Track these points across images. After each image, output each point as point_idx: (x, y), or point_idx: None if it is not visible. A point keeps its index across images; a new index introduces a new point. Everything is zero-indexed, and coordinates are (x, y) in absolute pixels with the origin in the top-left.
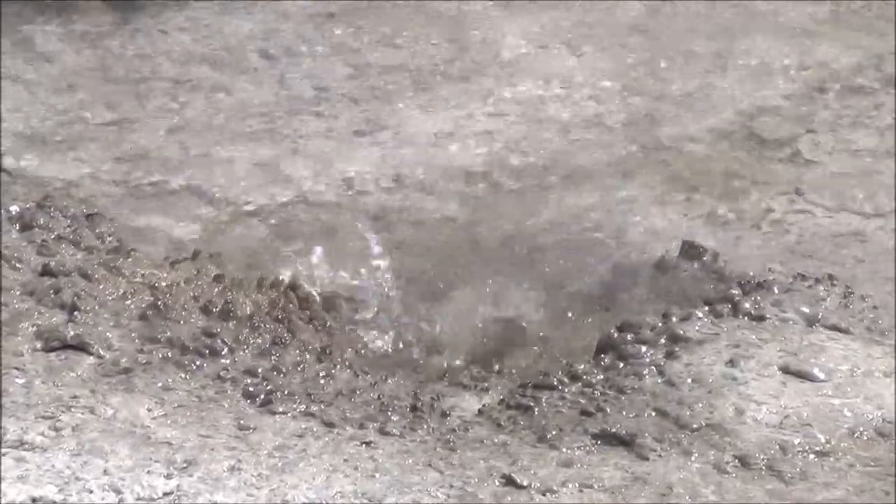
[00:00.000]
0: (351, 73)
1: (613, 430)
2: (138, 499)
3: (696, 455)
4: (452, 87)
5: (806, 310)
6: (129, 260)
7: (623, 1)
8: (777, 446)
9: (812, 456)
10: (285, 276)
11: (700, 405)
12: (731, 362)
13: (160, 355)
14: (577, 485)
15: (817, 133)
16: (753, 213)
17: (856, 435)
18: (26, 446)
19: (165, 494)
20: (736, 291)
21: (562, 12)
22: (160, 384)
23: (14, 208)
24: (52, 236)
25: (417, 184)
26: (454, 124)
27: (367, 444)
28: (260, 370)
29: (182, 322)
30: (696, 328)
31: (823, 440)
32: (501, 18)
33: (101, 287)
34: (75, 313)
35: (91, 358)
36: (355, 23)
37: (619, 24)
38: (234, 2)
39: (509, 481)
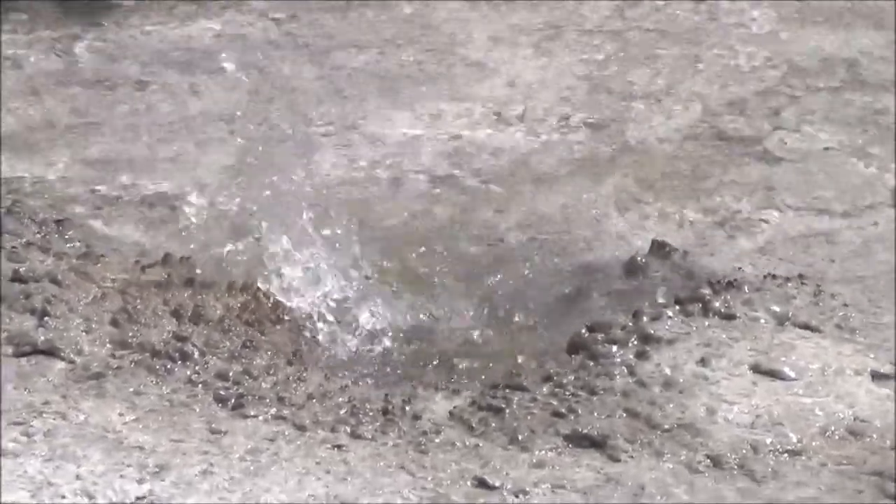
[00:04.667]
0: (318, 74)
1: (585, 431)
2: (111, 503)
3: (668, 455)
4: (420, 88)
5: (776, 308)
6: (99, 265)
7: (591, 2)
8: (748, 446)
9: (784, 455)
10: (255, 278)
11: (671, 405)
12: (703, 361)
13: (131, 360)
14: (549, 486)
15: (785, 131)
16: (722, 212)
17: (827, 434)
18: None
19: (138, 499)
20: (706, 290)
21: (529, 13)
22: (132, 389)
23: None
24: (22, 242)
25: (386, 185)
26: (422, 125)
27: (339, 447)
28: (231, 374)
29: (153, 326)
30: (667, 327)
31: (795, 439)
32: (468, 19)
33: (71, 292)
34: (46, 318)
35: (62, 363)
36: (322, 25)
37: (587, 24)
38: (199, 6)
39: (481, 483)
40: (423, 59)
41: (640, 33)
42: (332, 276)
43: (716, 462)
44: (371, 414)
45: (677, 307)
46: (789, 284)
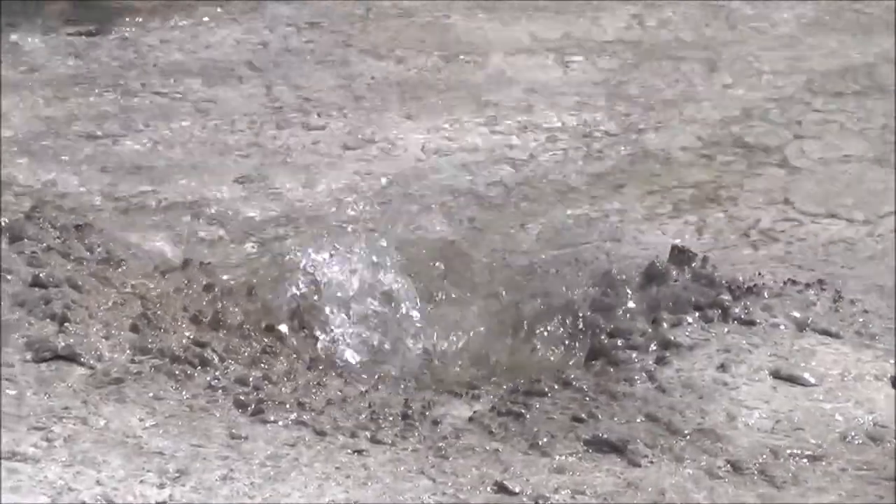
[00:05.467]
0: (339, 84)
1: (605, 436)
2: None
3: (689, 461)
4: (440, 97)
5: (796, 314)
6: (119, 270)
7: (610, 11)
8: (769, 451)
9: (804, 461)
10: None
11: (691, 411)
12: (722, 367)
13: (151, 365)
14: (569, 491)
15: (805, 139)
16: (742, 220)
17: (847, 439)
18: (18, 457)
19: None
20: (726, 297)
21: (549, 22)
22: (151, 394)
23: (3, 220)
24: (42, 247)
25: (406, 196)
26: (442, 135)
27: (359, 452)
28: (251, 379)
29: (173, 332)
30: (687, 333)
31: (815, 445)
32: (489, 29)
33: (91, 298)
34: (66, 324)
35: (82, 368)
36: (343, 33)
37: (606, 33)
38: (221, 12)
39: (501, 488)
40: (442, 67)
41: (660, 41)
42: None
43: (736, 467)
44: (391, 419)
45: (697, 313)
46: (809, 290)
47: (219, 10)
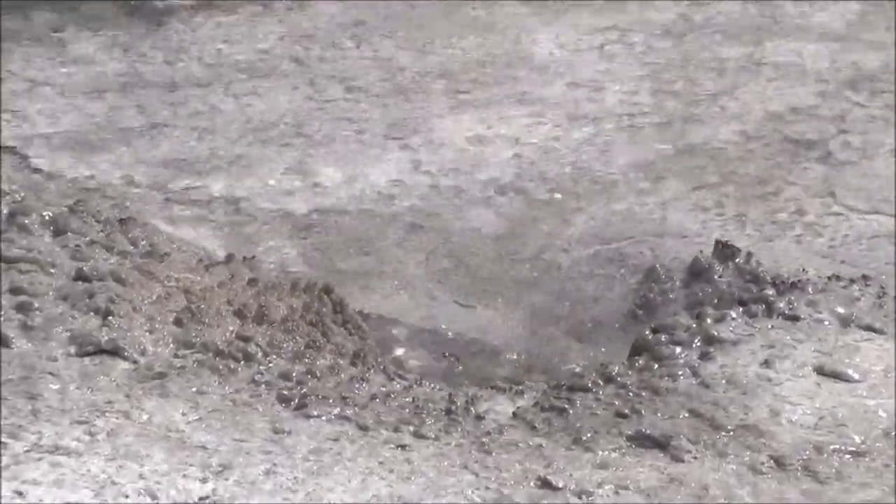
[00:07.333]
0: (382, 77)
1: (648, 431)
2: (174, 503)
3: (732, 456)
4: (484, 90)
5: (840, 310)
6: (163, 264)
7: (654, 3)
8: (812, 447)
9: (847, 456)
10: (317, 278)
11: (735, 406)
12: (766, 363)
13: (194, 360)
14: (612, 486)
15: (849, 134)
16: (786, 214)
17: (891, 435)
18: (61, 451)
19: (201, 498)
20: (770, 292)
21: (593, 16)
22: (195, 388)
23: (47, 213)
24: (86, 241)
25: (449, 189)
26: (486, 128)
27: (403, 447)
28: (294, 374)
29: (216, 326)
30: (731, 329)
31: (858, 441)
32: (533, 22)
33: (134, 291)
34: (109, 318)
35: (125, 363)
36: (387, 28)
37: (651, 28)
38: (264, 8)
39: (545, 483)
40: (487, 61)
41: (704, 36)
42: None
43: (779, 463)
44: (434, 414)
45: (741, 309)
46: (853, 286)
47: (261, 8)
